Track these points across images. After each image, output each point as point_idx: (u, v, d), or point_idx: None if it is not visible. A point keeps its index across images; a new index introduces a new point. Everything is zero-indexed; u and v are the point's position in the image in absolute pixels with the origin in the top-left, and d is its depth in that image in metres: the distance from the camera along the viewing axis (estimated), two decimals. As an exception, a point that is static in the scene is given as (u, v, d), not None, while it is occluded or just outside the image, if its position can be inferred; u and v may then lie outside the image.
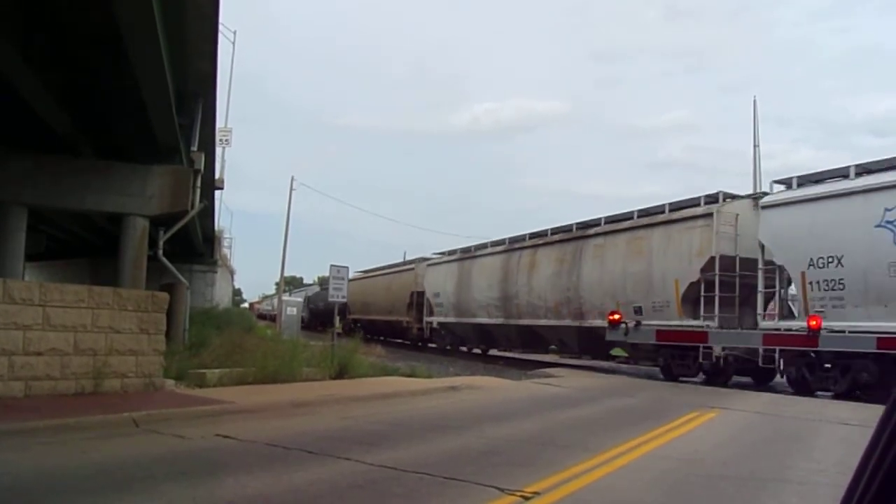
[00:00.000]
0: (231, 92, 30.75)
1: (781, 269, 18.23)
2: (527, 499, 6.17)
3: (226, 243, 46.32)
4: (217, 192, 27.13)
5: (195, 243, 29.40)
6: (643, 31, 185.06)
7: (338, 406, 11.93)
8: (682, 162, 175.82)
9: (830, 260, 16.39)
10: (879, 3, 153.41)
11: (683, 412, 12.85)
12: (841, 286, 16.23)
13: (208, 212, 26.17)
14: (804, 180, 18.03)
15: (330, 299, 20.51)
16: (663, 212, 22.10)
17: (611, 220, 24.30)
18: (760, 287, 18.63)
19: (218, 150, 24.20)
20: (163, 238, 17.51)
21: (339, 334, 19.99)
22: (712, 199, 20.44)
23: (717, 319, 19.27)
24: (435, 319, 35.04)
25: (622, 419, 12.28)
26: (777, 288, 18.82)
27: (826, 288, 16.54)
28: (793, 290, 18.71)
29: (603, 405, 14.32)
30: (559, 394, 16.33)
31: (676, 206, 21.81)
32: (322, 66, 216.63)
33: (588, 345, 25.12)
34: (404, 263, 43.00)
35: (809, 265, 16.83)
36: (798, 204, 17.55)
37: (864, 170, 16.66)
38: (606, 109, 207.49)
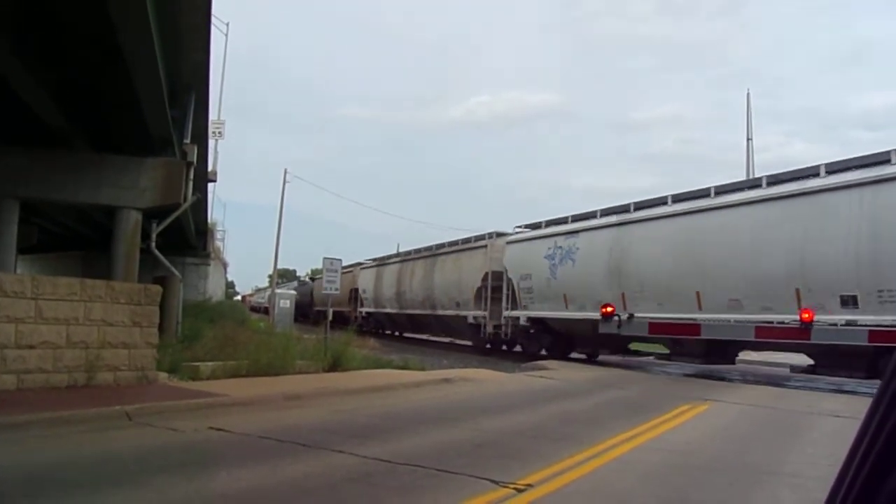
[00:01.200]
0: (224, 84, 30.65)
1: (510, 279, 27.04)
2: (520, 491, 6.20)
3: (219, 236, 46.41)
4: (210, 185, 27.10)
5: (188, 236, 29.37)
6: (638, 25, 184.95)
7: (331, 399, 11.93)
8: (675, 155, 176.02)
9: (526, 275, 26.11)
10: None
11: (676, 404, 12.90)
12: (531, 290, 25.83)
13: (201, 204, 26.14)
14: (528, 227, 27.78)
15: (323, 292, 20.50)
16: (465, 242, 32.36)
17: (440, 246, 34.44)
18: (505, 290, 27.23)
19: (211, 143, 24.15)
20: (156, 231, 17.48)
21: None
22: (489, 235, 30.02)
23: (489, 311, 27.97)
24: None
25: (615, 412, 12.31)
26: (506, 291, 27.24)
27: (525, 291, 26.23)
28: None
29: (596, 398, 14.36)
30: (552, 386, 16.37)
31: (467, 240, 32.39)
32: (315, 61, 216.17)
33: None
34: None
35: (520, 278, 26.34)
36: (517, 243, 27.56)
37: (553, 222, 26.11)
38: (600, 102, 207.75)
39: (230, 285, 79.63)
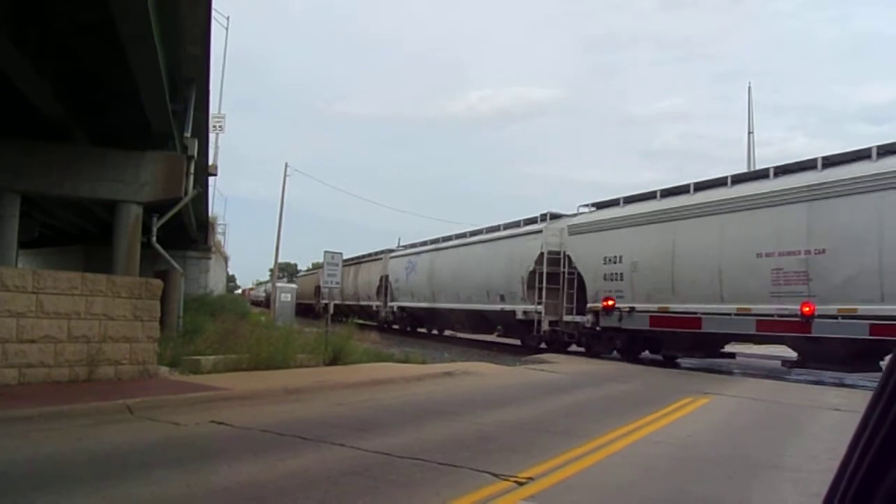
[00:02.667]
0: (224, 78, 30.67)
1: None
2: (521, 484, 6.20)
3: (220, 230, 46.34)
4: (211, 179, 27.06)
5: (189, 230, 29.37)
6: (640, 20, 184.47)
7: (332, 392, 11.94)
8: (677, 150, 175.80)
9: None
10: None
11: (677, 398, 12.90)
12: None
13: (202, 198, 26.14)
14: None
15: (324, 286, 20.49)
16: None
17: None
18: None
19: (211, 137, 24.15)
20: (156, 225, 17.48)
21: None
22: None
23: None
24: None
25: (616, 405, 12.32)
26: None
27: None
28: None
29: (597, 391, 14.36)
30: (554, 380, 16.37)
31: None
32: (319, 54, 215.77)
33: None
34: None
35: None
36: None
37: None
38: (603, 98, 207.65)
39: (231, 279, 79.70)
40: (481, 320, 30.72)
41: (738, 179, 19.48)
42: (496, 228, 30.29)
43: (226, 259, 55.68)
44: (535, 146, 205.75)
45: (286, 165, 43.29)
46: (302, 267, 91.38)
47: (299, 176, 67.60)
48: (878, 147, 15.86)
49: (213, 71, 16.27)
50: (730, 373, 20.37)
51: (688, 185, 20.76)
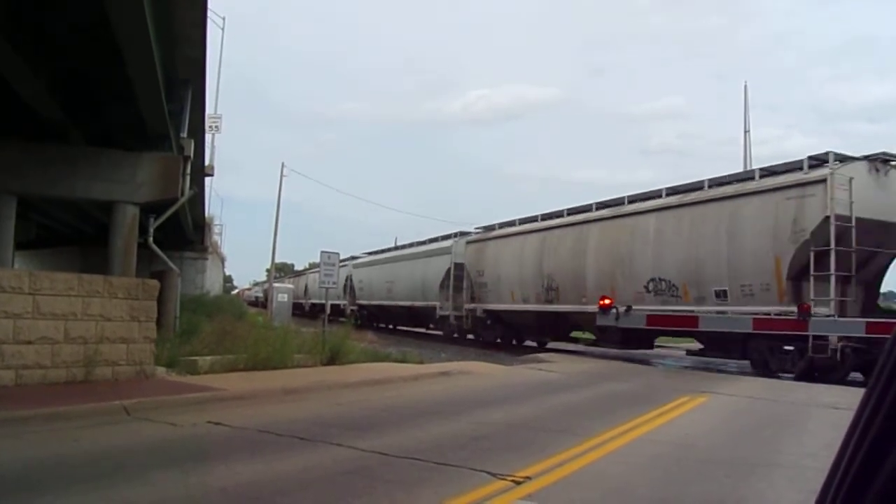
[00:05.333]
0: (220, 78, 30.60)
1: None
2: (518, 483, 6.21)
3: (216, 230, 46.32)
4: (207, 179, 27.05)
5: (185, 230, 29.32)
6: (637, 19, 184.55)
7: (329, 392, 11.94)
8: (675, 148, 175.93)
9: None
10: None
11: (674, 397, 12.91)
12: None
13: (198, 199, 26.07)
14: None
15: (320, 286, 20.46)
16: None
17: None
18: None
19: (207, 137, 24.11)
20: (153, 225, 17.43)
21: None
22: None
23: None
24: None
25: (613, 404, 12.32)
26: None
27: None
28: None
29: (594, 390, 14.37)
30: (551, 379, 16.39)
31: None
32: (316, 55, 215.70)
33: None
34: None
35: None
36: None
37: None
38: (600, 97, 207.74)
39: (228, 279, 79.71)
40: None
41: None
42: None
43: (222, 259, 55.69)
44: (532, 145, 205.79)
45: (282, 165, 43.20)
46: (299, 266, 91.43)
47: (301, 179, 67.27)
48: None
49: (209, 71, 16.28)
50: (727, 372, 20.38)
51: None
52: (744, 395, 14.00)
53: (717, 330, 18.99)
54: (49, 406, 8.62)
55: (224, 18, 28.28)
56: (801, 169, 17.39)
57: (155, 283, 12.64)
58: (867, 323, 15.34)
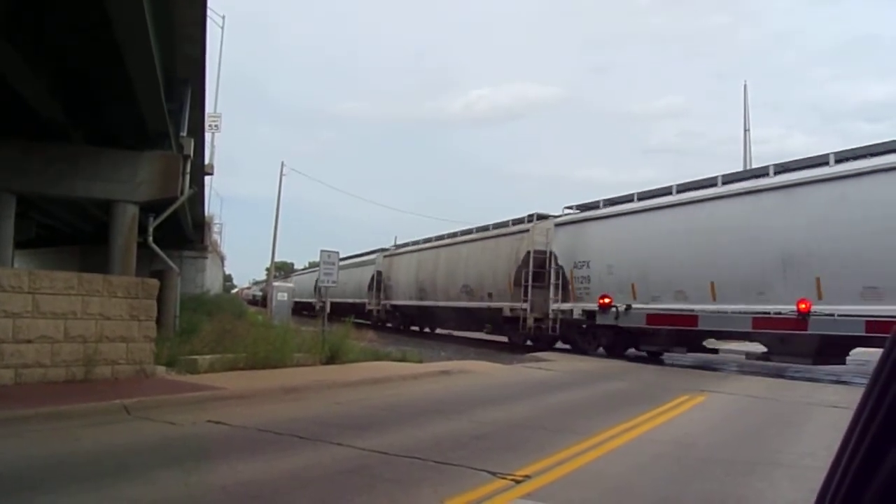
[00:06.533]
0: (220, 77, 30.54)
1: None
2: (518, 482, 6.21)
3: (216, 229, 46.31)
4: (207, 178, 27.01)
5: (185, 229, 29.31)
6: (637, 18, 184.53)
7: (329, 391, 11.94)
8: (676, 147, 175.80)
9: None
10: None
11: (674, 395, 12.93)
12: None
13: (198, 198, 26.07)
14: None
15: (320, 284, 20.45)
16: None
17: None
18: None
19: (207, 136, 24.05)
20: (153, 224, 17.43)
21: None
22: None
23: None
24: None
25: (613, 403, 12.33)
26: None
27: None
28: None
29: (594, 389, 14.38)
30: (550, 378, 16.39)
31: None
32: (317, 53, 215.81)
33: None
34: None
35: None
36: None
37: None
38: (600, 96, 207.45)
39: (228, 278, 79.68)
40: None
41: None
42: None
43: (222, 258, 55.69)
44: (533, 144, 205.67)
45: (282, 164, 43.16)
46: (298, 266, 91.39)
47: (300, 178, 67.27)
48: None
49: (209, 70, 16.28)
50: (726, 371, 20.40)
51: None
52: (744, 393, 14.01)
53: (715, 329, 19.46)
54: (49, 405, 8.61)
55: (224, 17, 28.26)
56: (523, 223, 27.64)
57: (154, 282, 12.64)
58: (867, 322, 15.34)
